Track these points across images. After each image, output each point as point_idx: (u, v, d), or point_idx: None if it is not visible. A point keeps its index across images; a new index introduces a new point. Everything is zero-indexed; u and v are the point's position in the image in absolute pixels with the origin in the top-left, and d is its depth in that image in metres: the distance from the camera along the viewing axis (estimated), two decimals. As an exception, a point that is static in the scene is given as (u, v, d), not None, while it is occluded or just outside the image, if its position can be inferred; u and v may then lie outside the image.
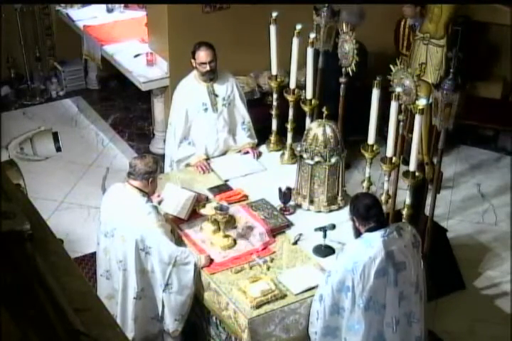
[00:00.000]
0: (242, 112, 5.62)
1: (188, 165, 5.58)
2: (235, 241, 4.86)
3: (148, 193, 4.72)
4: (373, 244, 4.17)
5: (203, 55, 5.33)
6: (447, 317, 5.67)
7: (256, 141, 5.71)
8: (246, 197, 5.25)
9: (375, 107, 4.89)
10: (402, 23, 6.85)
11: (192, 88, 5.50)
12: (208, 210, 4.90)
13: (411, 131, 4.88)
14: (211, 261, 4.72)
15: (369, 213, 4.21)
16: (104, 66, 7.62)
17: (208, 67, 5.37)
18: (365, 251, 4.18)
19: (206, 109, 5.51)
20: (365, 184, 5.09)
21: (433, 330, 5.38)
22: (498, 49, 7.39)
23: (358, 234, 4.30)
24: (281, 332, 4.48)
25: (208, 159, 5.57)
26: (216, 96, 5.51)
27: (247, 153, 5.66)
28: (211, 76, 5.45)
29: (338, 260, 4.41)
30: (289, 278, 4.59)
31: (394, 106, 4.75)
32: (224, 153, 5.66)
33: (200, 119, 5.52)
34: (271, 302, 4.44)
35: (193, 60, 5.41)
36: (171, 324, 4.81)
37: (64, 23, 7.97)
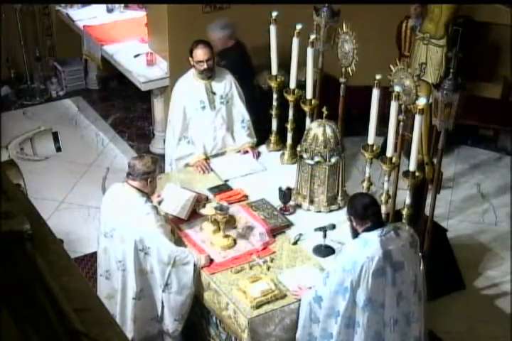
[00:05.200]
0: (241, 110, 5.62)
1: (187, 165, 5.58)
2: (235, 241, 4.86)
3: (147, 193, 4.72)
4: (370, 243, 4.18)
5: (200, 53, 5.35)
6: (447, 317, 5.67)
7: (255, 139, 5.71)
8: (246, 197, 5.25)
9: (375, 107, 4.90)
10: (404, 24, 6.83)
11: (190, 86, 5.51)
12: (207, 210, 4.90)
13: (410, 131, 4.88)
14: (211, 261, 4.72)
15: (366, 212, 4.21)
16: (104, 66, 7.62)
17: (205, 65, 5.38)
18: (362, 250, 4.18)
19: (204, 107, 5.51)
20: (365, 184, 5.10)
21: (433, 330, 5.38)
22: (498, 49, 7.39)
23: (355, 234, 4.30)
24: (281, 332, 4.48)
25: (207, 159, 5.57)
26: (214, 94, 5.51)
27: (247, 152, 5.66)
28: (209, 74, 5.46)
29: (336, 261, 4.42)
30: (289, 278, 4.59)
31: (394, 106, 4.75)
32: (222, 152, 5.66)
33: (198, 117, 5.53)
34: (271, 302, 4.44)
35: (190, 58, 5.42)
36: (170, 324, 4.81)
37: (64, 23, 7.97)
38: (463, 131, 7.06)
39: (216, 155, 5.65)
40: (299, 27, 5.29)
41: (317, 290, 4.33)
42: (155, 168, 4.71)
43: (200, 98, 5.50)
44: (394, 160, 4.91)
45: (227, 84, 5.55)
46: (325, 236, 4.76)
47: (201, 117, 5.53)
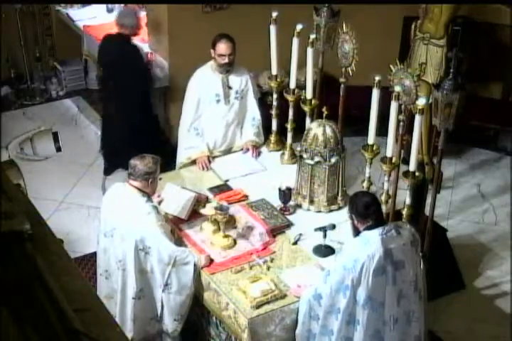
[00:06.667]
0: (253, 108, 5.65)
1: (189, 158, 5.58)
2: (235, 241, 4.86)
3: (148, 193, 4.72)
4: (371, 241, 4.18)
5: (223, 47, 5.37)
6: (447, 317, 5.67)
7: (262, 139, 5.71)
8: (246, 197, 5.26)
9: (375, 107, 4.90)
10: (413, 26, 6.80)
11: (207, 78, 5.53)
12: (207, 210, 4.90)
13: (410, 132, 4.88)
14: (211, 261, 4.72)
15: (368, 211, 4.22)
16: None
17: (226, 60, 5.41)
18: (363, 249, 4.19)
19: (218, 101, 5.54)
20: (365, 184, 5.10)
21: (433, 330, 5.38)
22: (498, 49, 7.39)
23: (356, 232, 4.31)
24: (281, 332, 4.48)
25: (209, 156, 5.57)
26: (230, 88, 5.54)
27: (248, 150, 5.66)
28: (228, 68, 5.49)
29: (336, 259, 4.42)
30: (290, 276, 4.59)
31: (394, 106, 4.75)
32: (230, 147, 5.67)
33: (212, 110, 5.55)
34: (271, 302, 4.44)
35: (212, 51, 5.43)
36: (170, 324, 4.81)
37: (64, 23, 7.97)
38: (463, 131, 7.07)
39: (219, 155, 5.65)
40: (299, 27, 5.29)
41: (317, 288, 4.33)
42: (156, 169, 4.72)
43: (216, 91, 5.52)
44: (394, 160, 4.91)
45: (243, 80, 5.58)
46: (325, 236, 4.76)
47: (214, 110, 5.56)
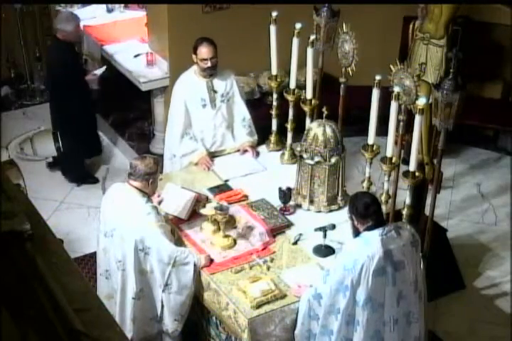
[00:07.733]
0: (242, 109, 5.63)
1: (191, 163, 5.57)
2: (235, 241, 4.87)
3: (148, 193, 4.72)
4: (371, 242, 4.18)
5: (204, 51, 5.34)
6: (447, 317, 5.67)
7: (256, 137, 5.70)
8: (246, 197, 5.26)
9: (375, 107, 4.90)
10: (411, 25, 6.80)
11: (191, 83, 5.51)
12: (207, 210, 4.90)
13: (410, 132, 4.87)
14: (211, 261, 4.72)
15: (367, 211, 4.22)
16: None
17: (209, 63, 5.38)
18: (363, 249, 4.19)
19: (205, 105, 5.52)
20: (365, 184, 5.10)
21: (433, 330, 5.38)
22: (498, 49, 7.39)
23: (356, 233, 4.31)
24: (281, 332, 4.48)
25: (209, 155, 5.56)
26: (215, 92, 5.52)
27: (246, 151, 5.66)
28: (211, 72, 5.46)
29: (337, 259, 4.42)
30: (290, 277, 4.59)
31: (394, 106, 4.75)
32: (223, 149, 5.65)
33: (199, 115, 5.53)
34: (271, 302, 4.44)
35: (194, 56, 5.41)
36: (170, 324, 4.81)
37: (64, 23, 7.97)
38: (463, 131, 7.07)
39: (216, 156, 5.65)
40: (298, 26, 5.29)
41: (317, 288, 4.33)
42: (157, 169, 4.72)
43: (201, 96, 5.50)
44: (394, 160, 4.91)
45: (228, 83, 5.56)
46: (325, 236, 4.76)
47: (201, 115, 5.54)
